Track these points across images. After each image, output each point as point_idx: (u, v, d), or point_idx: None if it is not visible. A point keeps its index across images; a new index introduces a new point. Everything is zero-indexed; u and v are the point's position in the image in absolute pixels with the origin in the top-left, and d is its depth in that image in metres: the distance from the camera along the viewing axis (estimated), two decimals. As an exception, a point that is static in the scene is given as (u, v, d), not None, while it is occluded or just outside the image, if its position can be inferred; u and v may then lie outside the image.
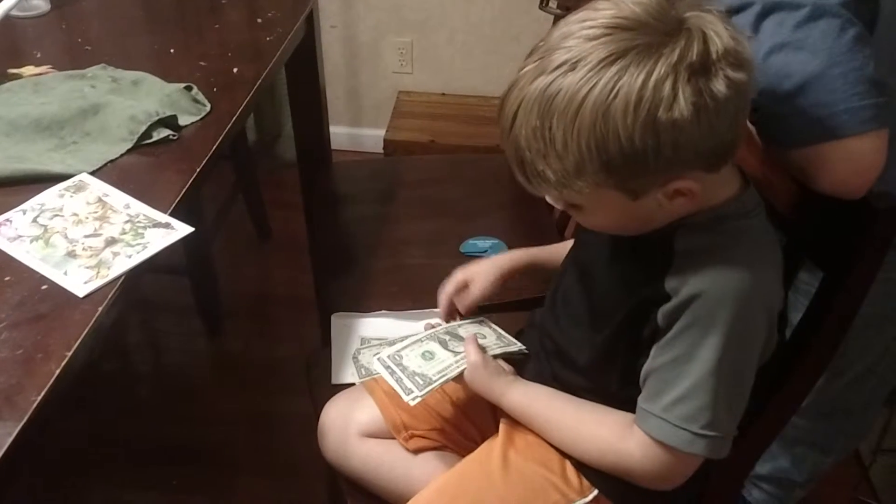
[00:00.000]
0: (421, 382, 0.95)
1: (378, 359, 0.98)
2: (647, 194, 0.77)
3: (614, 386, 0.91)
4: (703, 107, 0.70)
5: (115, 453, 1.74)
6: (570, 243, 1.12)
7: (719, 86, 0.71)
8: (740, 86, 0.72)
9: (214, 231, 2.01)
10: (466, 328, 1.06)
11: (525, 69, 0.76)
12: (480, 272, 1.11)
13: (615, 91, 0.70)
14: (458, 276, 1.12)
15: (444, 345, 1.00)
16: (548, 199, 0.83)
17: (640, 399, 0.86)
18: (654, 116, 0.70)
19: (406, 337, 1.03)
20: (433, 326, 1.07)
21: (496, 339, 1.05)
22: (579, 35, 0.73)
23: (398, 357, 0.98)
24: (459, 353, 0.99)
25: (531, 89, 0.74)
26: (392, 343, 1.02)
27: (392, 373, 0.96)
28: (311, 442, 1.13)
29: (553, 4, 1.05)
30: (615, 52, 0.70)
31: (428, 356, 0.98)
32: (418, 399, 0.94)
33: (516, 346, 1.05)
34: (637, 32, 0.71)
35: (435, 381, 0.95)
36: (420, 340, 1.01)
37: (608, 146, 0.71)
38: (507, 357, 1.02)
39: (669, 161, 0.73)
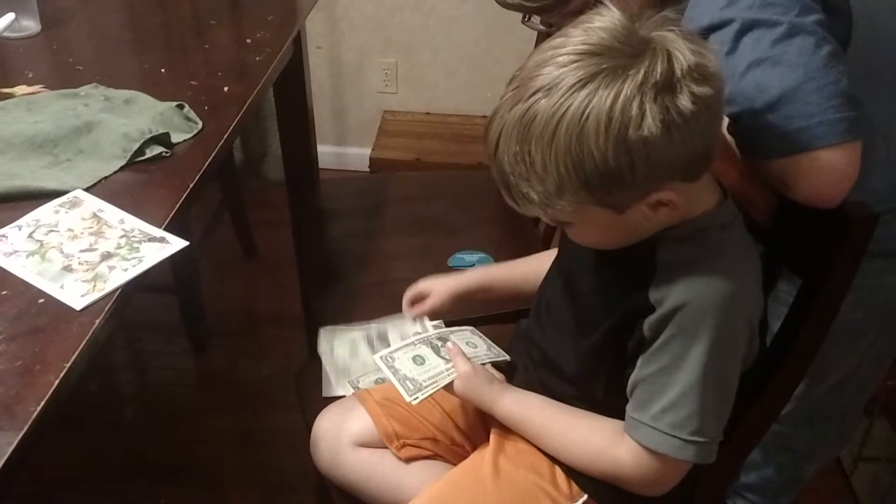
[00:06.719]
0: (412, 388, 0.96)
1: (378, 358, 1.00)
2: (630, 208, 0.79)
3: (601, 394, 0.93)
4: (672, 122, 0.73)
5: (102, 472, 1.73)
6: (534, 259, 1.15)
7: (685, 101, 0.73)
8: (707, 99, 0.75)
9: (201, 249, 2.02)
10: (457, 335, 1.07)
11: (505, 97, 0.79)
12: (437, 288, 1.15)
13: (586, 113, 0.73)
14: (420, 285, 1.16)
15: (436, 350, 1.01)
16: (542, 217, 0.86)
17: (628, 408, 0.88)
18: (624, 136, 0.73)
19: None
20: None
21: (486, 349, 1.06)
22: (552, 62, 0.76)
23: (390, 359, 0.99)
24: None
25: (510, 116, 0.77)
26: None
27: (395, 373, 0.97)
28: (299, 458, 1.13)
29: (535, 20, 1.08)
30: (584, 77, 0.74)
31: (419, 360, 0.99)
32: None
33: (504, 357, 1.06)
34: (604, 57, 0.74)
35: (426, 388, 0.96)
36: (413, 344, 1.02)
37: (584, 166, 0.74)
38: (494, 364, 1.03)
39: (646, 176, 0.76)
